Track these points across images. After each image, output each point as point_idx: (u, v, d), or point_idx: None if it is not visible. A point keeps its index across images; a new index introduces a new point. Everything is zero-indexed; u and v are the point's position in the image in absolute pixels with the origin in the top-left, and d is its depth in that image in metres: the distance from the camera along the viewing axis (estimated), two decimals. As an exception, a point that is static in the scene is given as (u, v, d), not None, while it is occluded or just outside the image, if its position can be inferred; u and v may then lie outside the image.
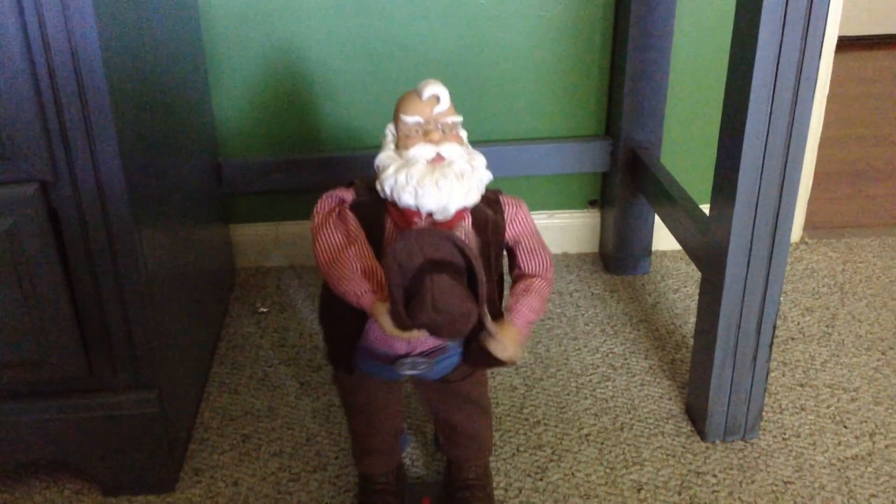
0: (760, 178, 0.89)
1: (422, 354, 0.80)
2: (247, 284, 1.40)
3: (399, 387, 0.88)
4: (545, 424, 1.06)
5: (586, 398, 1.10)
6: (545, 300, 0.81)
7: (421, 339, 0.78)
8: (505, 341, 0.76)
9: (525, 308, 0.79)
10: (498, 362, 0.81)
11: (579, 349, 1.20)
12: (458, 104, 0.80)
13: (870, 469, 0.98)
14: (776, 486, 0.96)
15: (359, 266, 0.75)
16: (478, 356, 0.80)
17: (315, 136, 1.38)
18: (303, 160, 1.35)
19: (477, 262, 0.69)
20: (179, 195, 1.05)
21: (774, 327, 0.97)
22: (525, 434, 1.04)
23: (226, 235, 1.38)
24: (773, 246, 0.93)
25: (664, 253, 1.47)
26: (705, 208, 1.26)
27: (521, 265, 0.82)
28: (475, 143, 1.05)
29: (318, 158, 1.35)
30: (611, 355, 1.19)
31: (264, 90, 1.34)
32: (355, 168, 1.36)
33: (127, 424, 0.91)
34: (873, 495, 0.94)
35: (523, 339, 0.78)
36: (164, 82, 1.00)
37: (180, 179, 1.06)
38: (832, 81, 1.44)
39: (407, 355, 0.79)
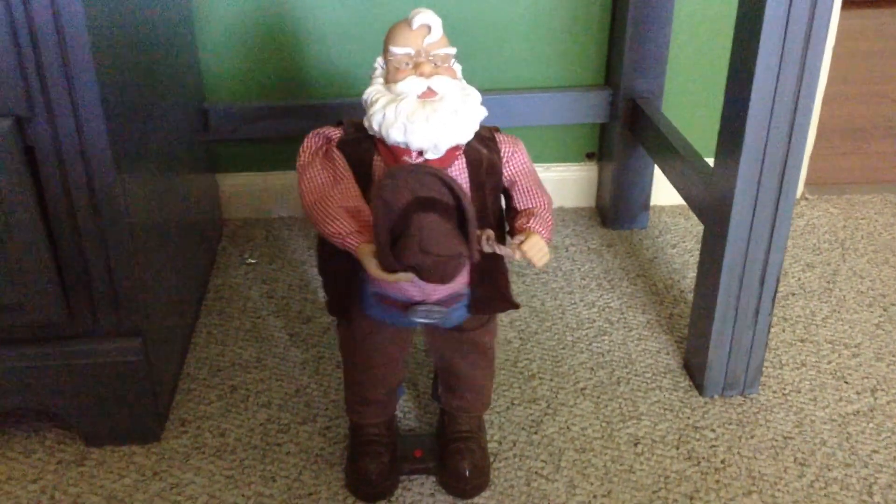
0: (768, 129, 0.86)
1: (437, 303, 0.75)
2: (235, 235, 1.36)
3: (408, 336, 0.84)
4: (540, 378, 1.03)
5: (582, 352, 1.08)
6: (551, 227, 0.76)
7: (436, 287, 0.73)
8: (535, 249, 0.71)
9: (536, 226, 0.74)
10: (505, 306, 0.78)
11: (575, 303, 1.18)
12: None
13: (871, 425, 0.96)
14: (776, 441, 0.94)
15: (345, 206, 0.72)
16: (485, 302, 0.77)
17: (306, 81, 1.33)
18: (293, 106, 1.31)
19: (467, 200, 0.65)
20: (164, 138, 1.00)
21: (778, 280, 0.94)
22: (520, 387, 1.02)
23: (213, 184, 1.34)
24: (779, 197, 0.90)
25: (662, 208, 1.44)
26: (709, 161, 1.22)
27: (518, 207, 0.78)
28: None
29: (309, 105, 1.31)
30: (607, 309, 1.17)
31: (253, 32, 1.29)
32: (347, 115, 1.31)
33: (110, 372, 0.88)
34: (875, 451, 0.92)
35: (546, 246, 0.73)
36: (146, 21, 0.95)
37: (165, 122, 1.01)
38: (836, 38, 1.41)
39: (422, 303, 0.75)
